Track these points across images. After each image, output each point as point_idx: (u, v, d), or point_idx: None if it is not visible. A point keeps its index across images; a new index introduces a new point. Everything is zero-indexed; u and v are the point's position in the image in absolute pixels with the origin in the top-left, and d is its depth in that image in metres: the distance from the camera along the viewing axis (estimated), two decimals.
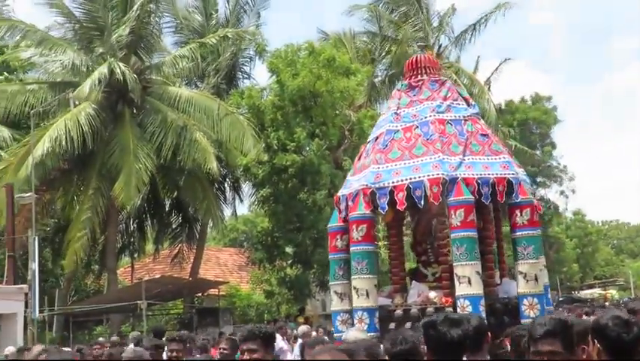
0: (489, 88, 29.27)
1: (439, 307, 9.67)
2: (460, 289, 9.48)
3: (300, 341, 12.00)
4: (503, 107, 35.81)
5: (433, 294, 10.13)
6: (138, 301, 20.37)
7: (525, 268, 9.82)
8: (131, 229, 29.94)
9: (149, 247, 31.79)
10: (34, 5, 44.27)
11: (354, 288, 10.15)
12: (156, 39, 26.69)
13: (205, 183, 25.50)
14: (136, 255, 32.02)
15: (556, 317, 3.77)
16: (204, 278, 29.05)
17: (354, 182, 10.61)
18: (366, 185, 10.14)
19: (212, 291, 28.21)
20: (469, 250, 9.54)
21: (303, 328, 13.18)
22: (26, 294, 16.76)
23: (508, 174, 10.01)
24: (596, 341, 3.75)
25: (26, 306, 16.86)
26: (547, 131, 38.32)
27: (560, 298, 39.39)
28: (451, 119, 10.52)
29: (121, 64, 23.21)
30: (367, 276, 10.07)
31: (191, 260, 29.18)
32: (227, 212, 30.98)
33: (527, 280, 9.76)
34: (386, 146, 10.53)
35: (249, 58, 30.83)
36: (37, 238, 18.24)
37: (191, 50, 25.64)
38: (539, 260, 10.05)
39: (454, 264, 9.65)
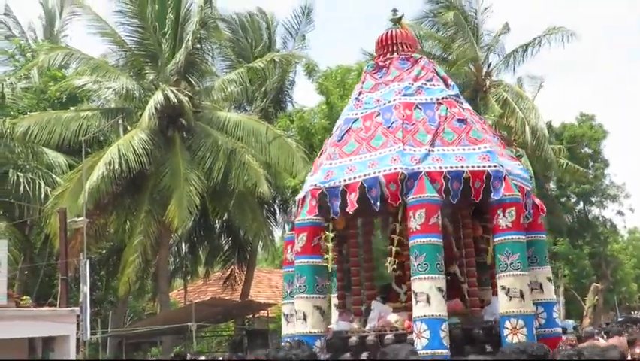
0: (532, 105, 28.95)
1: (401, 333, 8.12)
2: (417, 310, 7.72)
3: None
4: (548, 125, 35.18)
5: (394, 317, 8.48)
6: (188, 323, 20.60)
7: (508, 282, 7.90)
8: (183, 251, 30.35)
9: (201, 269, 32.14)
10: (87, 35, 45.30)
11: (295, 310, 8.63)
12: (206, 64, 27.12)
13: (254, 205, 25.70)
14: (188, 277, 32.41)
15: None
16: (254, 300, 29.21)
17: (308, 183, 9.03)
18: (315, 185, 8.59)
19: (263, 313, 28.32)
20: (429, 261, 7.72)
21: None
22: (78, 316, 17.10)
23: (488, 166, 8.20)
24: None
25: (78, 328, 17.20)
26: (597, 148, 37.51)
27: (620, 319, 38.43)
28: (420, 103, 8.75)
29: (173, 89, 23.73)
30: (305, 296, 8.41)
31: (243, 282, 29.38)
32: (278, 233, 31.18)
33: (510, 297, 7.85)
34: (342, 138, 8.87)
35: (293, 81, 31.24)
36: (88, 261, 18.64)
37: (239, 74, 26.00)
38: (528, 272, 8.15)
39: (411, 278, 7.90)
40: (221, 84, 26.25)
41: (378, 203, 8.18)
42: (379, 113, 8.82)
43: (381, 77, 9.31)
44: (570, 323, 31.54)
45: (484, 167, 8.22)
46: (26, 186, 24.09)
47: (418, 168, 8.11)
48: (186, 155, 24.00)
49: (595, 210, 38.99)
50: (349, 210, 8.34)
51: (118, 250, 26.01)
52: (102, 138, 26.16)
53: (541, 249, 8.84)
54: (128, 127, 24.90)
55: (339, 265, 9.54)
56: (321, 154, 9.45)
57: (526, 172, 9.34)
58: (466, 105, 9.30)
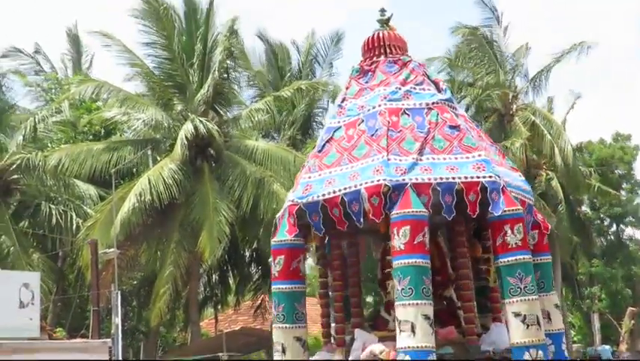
0: (564, 127, 28.80)
1: None
2: (401, 340, 6.91)
3: None
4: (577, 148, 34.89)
5: (378, 348, 7.60)
6: (219, 354, 20.57)
7: (523, 308, 7.02)
8: (214, 280, 30.39)
9: (232, 298, 32.14)
10: (116, 65, 46.04)
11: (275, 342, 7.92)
12: (233, 94, 27.36)
13: None
14: (219, 306, 32.42)
15: None
16: None
17: (287, 199, 8.29)
18: (293, 200, 7.80)
19: None
20: (414, 285, 6.90)
21: None
22: (110, 348, 17.16)
23: (483, 176, 7.35)
24: None
25: (110, 359, 17.24)
26: (628, 170, 37.00)
27: None
28: (408, 108, 7.95)
29: (203, 119, 23.93)
30: (283, 326, 7.75)
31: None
32: (309, 261, 31.06)
33: (528, 325, 7.00)
34: (322, 148, 8.11)
35: (323, 108, 31.37)
36: (119, 292, 18.75)
37: (267, 103, 26.19)
38: (545, 296, 7.38)
39: (395, 304, 7.08)
40: (248, 113, 26.42)
41: (361, 219, 7.35)
42: (363, 121, 8.03)
43: (366, 82, 8.51)
44: (607, 348, 30.99)
45: (478, 177, 7.36)
46: (58, 218, 24.43)
47: (404, 180, 7.27)
48: (215, 184, 24.12)
49: (628, 231, 38.42)
50: (339, 227, 7.56)
51: (149, 281, 26.12)
52: (133, 169, 26.41)
53: (547, 273, 7.98)
54: (158, 157, 25.13)
55: (323, 291, 8.84)
56: (302, 168, 8.53)
57: (527, 184, 8.38)
58: (461, 111, 8.49)
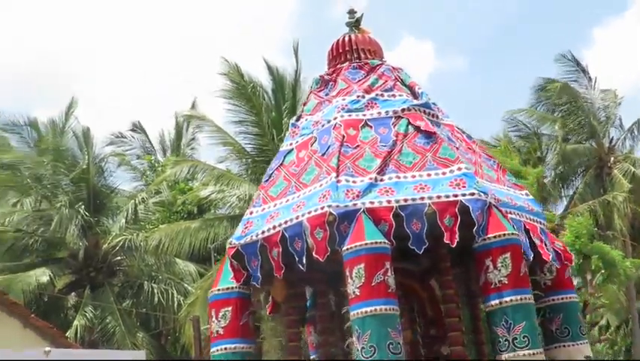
0: None
1: None
2: None
3: None
4: None
5: None
6: None
7: None
8: None
9: None
10: (208, 146, 47.29)
11: None
12: None
13: None
14: None
15: None
16: None
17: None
18: (231, 242, 6.46)
19: None
20: (376, 341, 5.23)
21: None
22: None
23: (462, 194, 5.72)
24: None
25: None
26: None
27: None
28: (371, 119, 6.45)
29: None
30: None
31: None
32: None
33: None
34: (269, 177, 6.71)
35: None
36: None
37: None
38: (540, 350, 5.56)
39: None
40: None
41: (303, 259, 5.84)
42: (316, 139, 6.58)
43: (326, 94, 7.03)
44: None
45: (455, 196, 5.73)
46: (160, 296, 24.87)
47: (355, 205, 5.70)
48: None
49: None
50: (276, 273, 6.05)
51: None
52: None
53: (573, 316, 6.36)
54: None
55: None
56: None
57: (537, 205, 6.72)
58: (447, 120, 6.90)
